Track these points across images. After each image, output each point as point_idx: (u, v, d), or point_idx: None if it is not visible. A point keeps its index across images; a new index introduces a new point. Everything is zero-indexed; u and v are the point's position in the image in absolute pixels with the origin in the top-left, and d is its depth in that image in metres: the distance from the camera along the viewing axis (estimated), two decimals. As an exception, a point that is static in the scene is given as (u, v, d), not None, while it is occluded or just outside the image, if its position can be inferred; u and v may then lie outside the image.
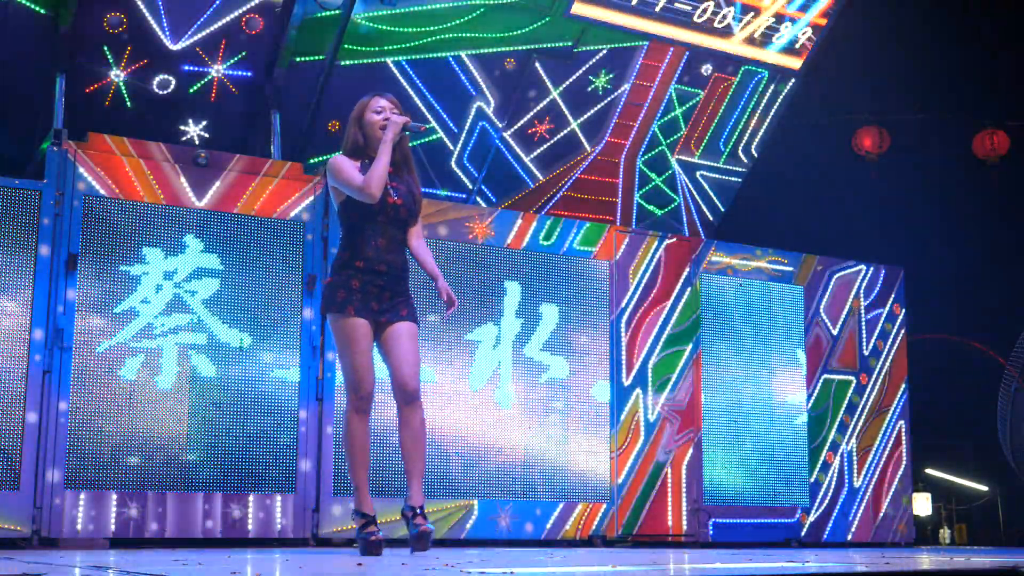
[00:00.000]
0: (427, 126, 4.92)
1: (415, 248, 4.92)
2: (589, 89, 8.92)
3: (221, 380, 6.16)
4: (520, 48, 8.58)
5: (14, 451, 5.66)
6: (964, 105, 10.36)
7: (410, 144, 4.99)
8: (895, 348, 8.44)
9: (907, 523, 8.34)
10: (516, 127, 8.81)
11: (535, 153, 8.94)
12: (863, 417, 8.24)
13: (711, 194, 9.65)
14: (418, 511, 4.71)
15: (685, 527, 7.38)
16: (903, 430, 8.41)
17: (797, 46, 9.31)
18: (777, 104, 9.57)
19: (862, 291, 8.36)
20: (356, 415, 4.76)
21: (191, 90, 7.62)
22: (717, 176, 9.66)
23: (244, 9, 7.54)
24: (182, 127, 7.63)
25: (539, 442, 7.00)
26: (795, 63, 9.38)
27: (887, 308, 8.44)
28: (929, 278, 9.45)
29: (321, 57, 7.78)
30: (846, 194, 10.65)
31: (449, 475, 6.68)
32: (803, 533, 7.83)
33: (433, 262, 4.96)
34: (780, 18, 9.14)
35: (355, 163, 4.80)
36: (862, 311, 8.34)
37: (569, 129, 8.99)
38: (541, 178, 8.99)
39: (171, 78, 7.54)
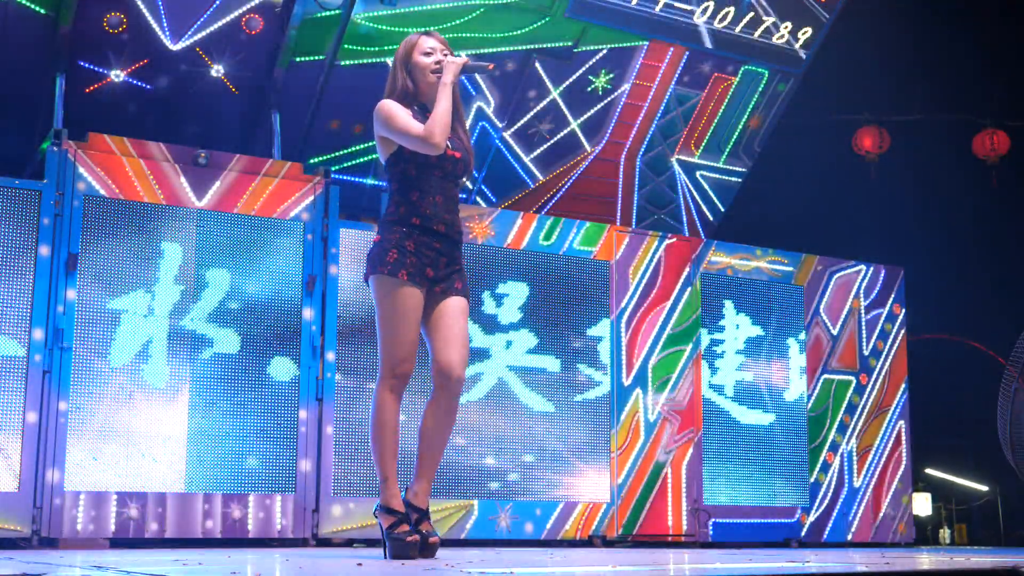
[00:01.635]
0: (491, 66, 4.43)
1: None
2: (589, 89, 8.92)
3: (221, 380, 6.15)
4: (520, 48, 8.58)
5: (14, 451, 5.66)
6: (964, 105, 10.36)
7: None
8: (895, 348, 8.44)
9: (907, 523, 8.34)
10: (516, 127, 8.81)
11: (535, 153, 8.94)
12: (863, 417, 8.24)
13: (711, 194, 9.65)
14: (424, 516, 4.20)
15: (685, 527, 7.38)
16: (903, 430, 8.41)
17: (797, 46, 9.31)
18: (777, 104, 9.57)
19: (862, 291, 8.36)
20: (390, 394, 4.20)
21: (191, 90, 7.62)
22: (717, 176, 9.66)
23: (244, 9, 7.54)
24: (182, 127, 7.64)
25: (538, 442, 7.00)
26: (795, 63, 9.38)
27: (887, 308, 8.44)
28: (929, 278, 9.45)
29: (321, 57, 7.79)
30: (846, 194, 10.64)
31: (449, 475, 6.67)
32: (803, 533, 7.83)
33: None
34: (780, 18, 9.14)
35: (408, 111, 4.25)
36: (862, 311, 8.34)
37: (569, 129, 9.00)
38: (541, 178, 8.99)
39: (171, 78, 7.54)
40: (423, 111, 4.31)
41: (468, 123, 8.54)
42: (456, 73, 4.27)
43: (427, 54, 4.34)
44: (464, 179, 4.41)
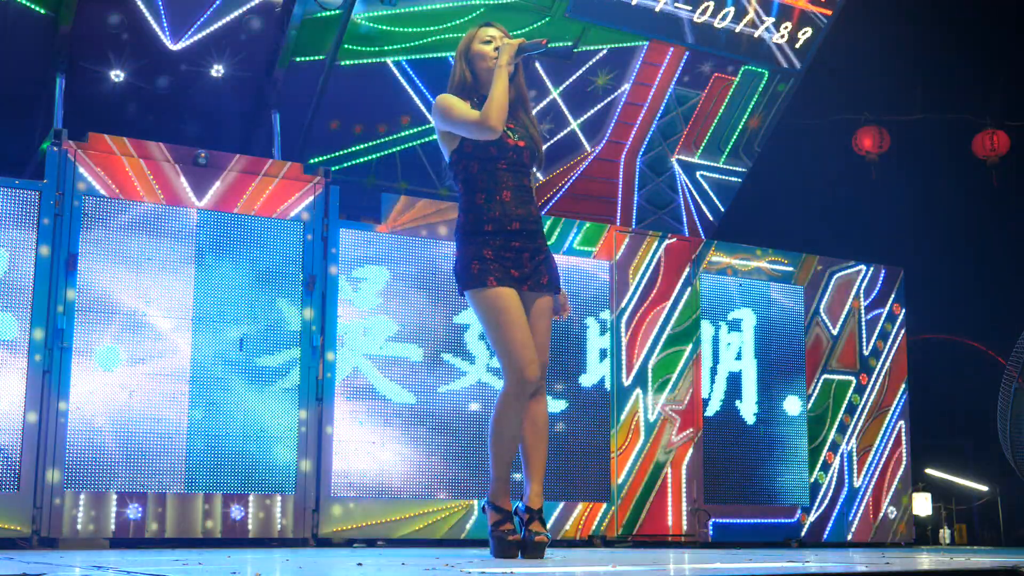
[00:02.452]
0: (546, 42, 4.23)
1: None
2: (589, 89, 8.92)
3: (221, 380, 6.15)
4: (520, 48, 8.57)
5: (14, 451, 5.66)
6: (964, 105, 10.36)
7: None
8: (895, 348, 8.44)
9: (907, 523, 8.34)
10: (516, 127, 8.81)
11: (535, 153, 8.93)
12: (863, 417, 8.24)
13: (711, 194, 9.65)
14: (536, 516, 4.19)
15: (685, 527, 7.38)
16: (903, 430, 8.41)
17: (797, 46, 9.30)
18: (777, 104, 9.57)
19: (862, 291, 8.36)
20: (516, 401, 4.12)
21: (191, 90, 7.62)
22: (717, 176, 9.66)
23: (244, 9, 7.54)
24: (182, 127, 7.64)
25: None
26: (795, 63, 9.38)
27: (887, 308, 8.44)
28: (929, 278, 9.44)
29: (321, 57, 7.78)
30: (846, 194, 10.64)
31: (449, 475, 6.67)
32: (803, 533, 7.83)
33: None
34: (780, 18, 9.14)
35: (466, 102, 4.18)
36: (862, 311, 8.34)
37: (569, 129, 9.00)
38: (541, 178, 8.99)
39: (171, 78, 7.54)
40: (483, 102, 4.18)
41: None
42: (511, 54, 4.14)
43: (486, 42, 4.25)
44: (535, 169, 4.30)
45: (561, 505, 6.97)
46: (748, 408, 7.78)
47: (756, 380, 7.85)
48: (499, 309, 4.06)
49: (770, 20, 9.11)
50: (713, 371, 7.69)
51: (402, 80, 8.18)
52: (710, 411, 7.63)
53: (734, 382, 7.77)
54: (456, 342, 6.81)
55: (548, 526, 6.83)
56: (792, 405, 7.95)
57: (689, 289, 7.63)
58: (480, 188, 4.14)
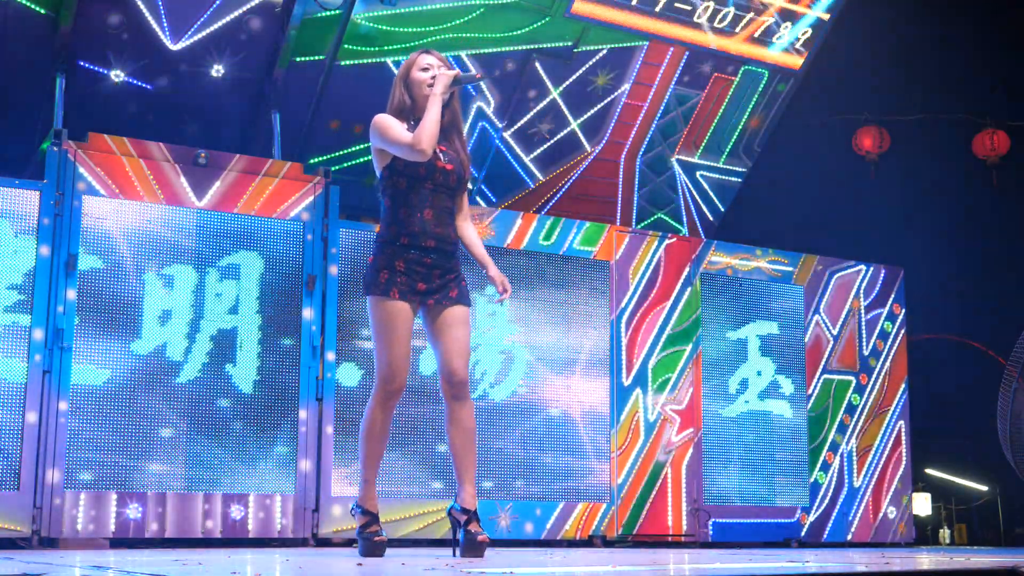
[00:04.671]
0: (480, 76, 4.64)
1: (462, 228, 4.54)
2: (589, 89, 8.92)
3: (221, 380, 6.15)
4: (520, 48, 8.58)
5: (14, 451, 5.66)
6: (964, 105, 10.36)
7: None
8: (895, 348, 8.44)
9: (907, 523, 8.34)
10: (516, 127, 8.81)
11: (535, 153, 8.94)
12: (863, 417, 8.24)
13: (711, 194, 9.65)
14: (473, 516, 4.40)
15: (685, 527, 7.38)
16: (903, 430, 8.41)
17: (797, 46, 9.31)
18: (777, 104, 9.57)
19: (862, 291, 8.36)
20: (381, 407, 4.42)
21: (191, 90, 7.62)
22: (717, 176, 9.66)
23: (244, 9, 7.55)
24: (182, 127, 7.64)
25: (538, 442, 7.00)
26: (795, 63, 9.38)
27: (887, 308, 8.44)
28: (929, 278, 9.44)
29: (321, 57, 7.79)
30: (846, 194, 10.64)
31: (450, 475, 6.67)
32: (803, 533, 7.83)
33: (482, 246, 4.62)
34: (780, 18, 9.14)
35: (403, 124, 4.43)
36: (862, 311, 8.34)
37: (569, 129, 9.00)
38: (541, 178, 8.99)
39: (171, 78, 7.54)
40: (418, 124, 4.43)
41: (468, 123, 8.60)
42: (446, 84, 4.41)
43: (424, 70, 4.51)
44: (460, 192, 4.52)
45: (561, 505, 6.97)
46: (748, 408, 7.78)
47: (754, 380, 7.84)
48: (390, 321, 4.35)
49: (770, 20, 9.11)
50: (713, 370, 7.69)
51: (402, 80, 8.17)
52: (710, 410, 7.62)
53: (733, 382, 7.77)
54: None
55: (548, 526, 6.90)
56: (791, 405, 7.94)
57: (689, 289, 7.63)
58: (405, 203, 4.40)
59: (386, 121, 4.42)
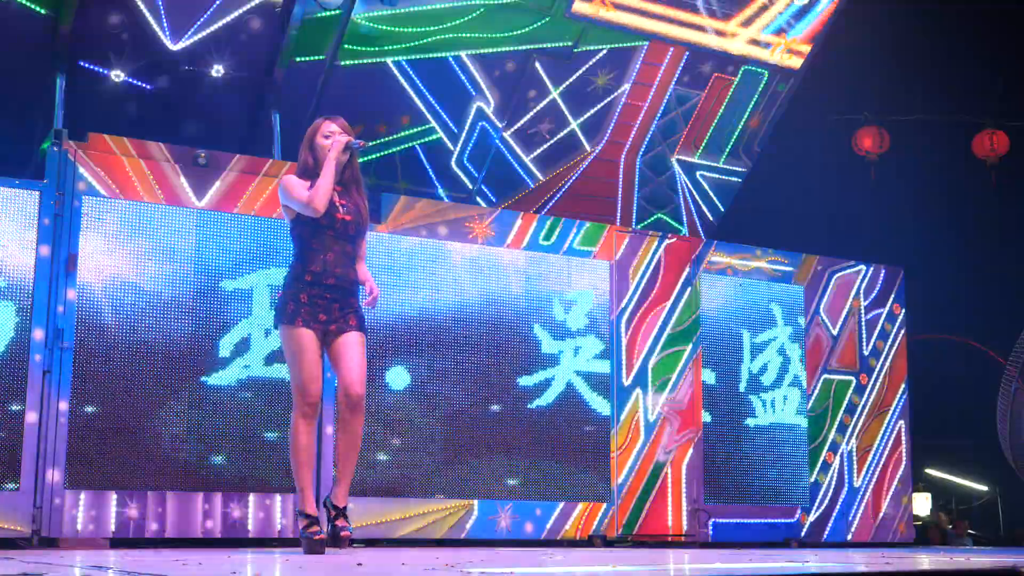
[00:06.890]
0: (366, 143, 5.27)
1: (359, 269, 5.13)
2: (589, 89, 8.92)
3: (220, 380, 6.15)
4: (520, 48, 8.59)
5: (14, 451, 5.66)
6: (964, 105, 10.36)
7: (362, 158, 5.03)
8: (895, 348, 8.44)
9: (907, 523, 8.34)
10: (516, 127, 8.81)
11: (535, 153, 8.94)
12: (863, 417, 8.24)
13: (711, 194, 9.65)
14: (341, 512, 4.95)
15: (685, 527, 7.38)
16: (903, 430, 8.41)
17: (797, 46, 9.31)
18: (777, 104, 9.57)
19: (862, 291, 8.36)
20: (303, 420, 4.91)
21: (191, 90, 7.62)
22: (717, 176, 9.66)
23: (244, 9, 7.55)
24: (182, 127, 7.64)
25: (538, 441, 7.00)
26: (795, 63, 9.38)
27: (887, 308, 8.44)
28: (929, 278, 9.44)
29: (321, 57, 7.79)
30: (846, 194, 10.65)
31: (450, 475, 6.67)
32: (803, 533, 7.83)
33: (368, 274, 5.19)
34: (780, 18, 9.14)
35: (305, 183, 4.97)
36: (862, 311, 8.34)
37: (569, 129, 9.00)
38: (541, 178, 8.99)
39: (171, 78, 7.54)
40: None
41: (467, 124, 8.61)
42: (338, 150, 4.98)
43: (327, 136, 5.05)
44: (359, 238, 5.09)
45: (561, 505, 6.97)
46: (748, 408, 7.78)
47: (755, 380, 7.84)
48: (299, 346, 4.91)
49: (770, 19, 9.11)
50: (713, 370, 7.68)
51: (402, 80, 8.18)
52: (710, 410, 7.62)
53: (733, 382, 7.77)
54: (455, 341, 6.81)
55: (548, 526, 6.90)
56: (791, 405, 7.94)
57: (689, 289, 7.63)
58: (310, 248, 4.98)
59: (289, 182, 4.97)
